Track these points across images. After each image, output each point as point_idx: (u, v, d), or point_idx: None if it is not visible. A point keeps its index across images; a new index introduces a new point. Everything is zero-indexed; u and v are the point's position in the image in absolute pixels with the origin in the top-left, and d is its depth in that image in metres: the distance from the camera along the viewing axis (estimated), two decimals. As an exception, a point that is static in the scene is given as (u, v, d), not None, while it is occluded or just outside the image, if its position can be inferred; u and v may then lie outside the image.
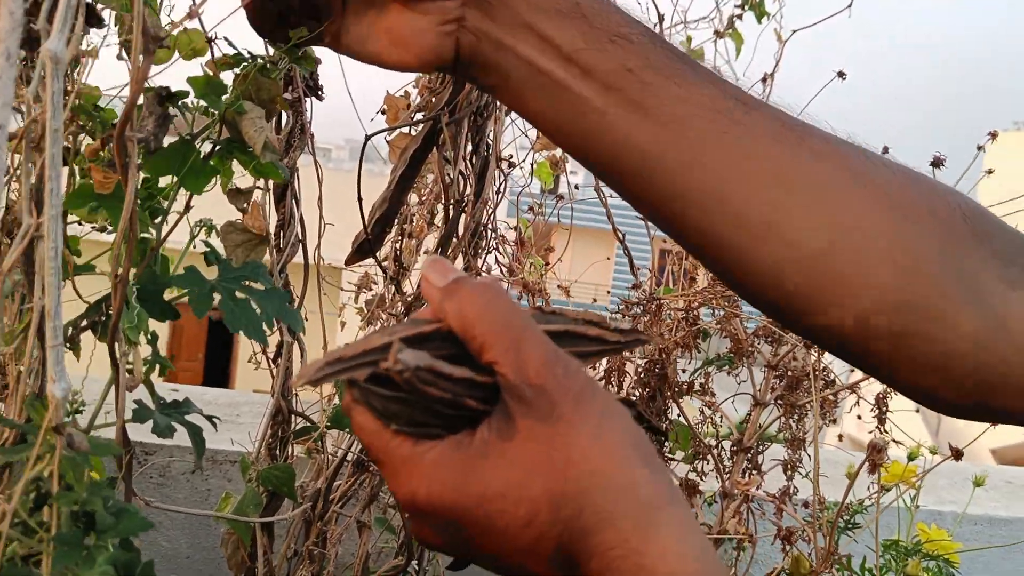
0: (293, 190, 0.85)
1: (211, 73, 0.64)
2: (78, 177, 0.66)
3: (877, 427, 0.86)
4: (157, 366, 0.67)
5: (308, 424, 0.96)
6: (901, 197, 0.39)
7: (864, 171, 0.40)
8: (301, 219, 0.85)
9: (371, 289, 1.30)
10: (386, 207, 0.89)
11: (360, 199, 0.88)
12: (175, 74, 0.62)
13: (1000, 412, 0.41)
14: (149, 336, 0.65)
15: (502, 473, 0.33)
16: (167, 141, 0.60)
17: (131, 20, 0.45)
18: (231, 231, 0.81)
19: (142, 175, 0.61)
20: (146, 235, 0.65)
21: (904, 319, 0.38)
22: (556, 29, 0.39)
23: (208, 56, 0.68)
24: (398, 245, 1.07)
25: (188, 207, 0.70)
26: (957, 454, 0.80)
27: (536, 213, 1.25)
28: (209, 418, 0.76)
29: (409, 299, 0.97)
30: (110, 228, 0.77)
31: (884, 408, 0.89)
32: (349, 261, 0.92)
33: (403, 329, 0.35)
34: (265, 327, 0.66)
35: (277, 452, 0.94)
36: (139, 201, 0.63)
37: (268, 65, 0.63)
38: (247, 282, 0.67)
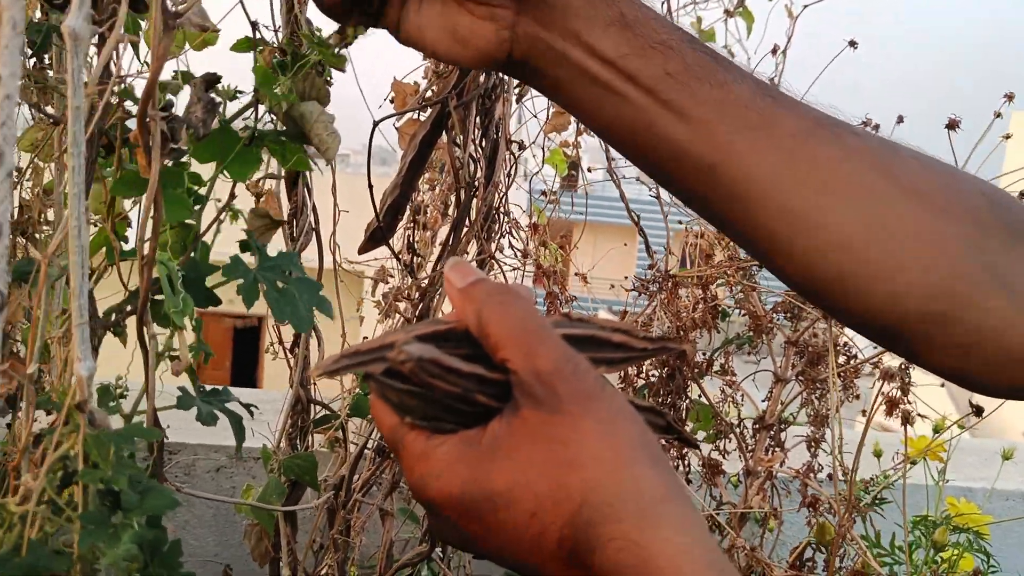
0: (304, 179, 0.85)
1: (265, 64, 0.64)
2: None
3: (901, 370, 0.85)
4: (202, 353, 0.67)
5: (328, 413, 0.97)
6: (927, 190, 0.42)
7: (893, 165, 0.42)
8: (314, 207, 0.86)
9: (387, 282, 1.30)
10: (397, 193, 0.90)
11: (371, 186, 0.89)
12: (207, 64, 0.62)
13: None
14: (194, 323, 0.64)
15: (509, 468, 0.34)
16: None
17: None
18: (255, 216, 0.82)
19: (189, 160, 0.62)
20: (189, 222, 0.65)
21: (932, 303, 0.41)
22: (602, 36, 0.42)
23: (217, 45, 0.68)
24: (412, 234, 1.08)
25: (233, 195, 0.70)
26: (978, 411, 0.79)
27: (549, 200, 1.24)
28: (247, 406, 0.77)
29: (424, 284, 0.97)
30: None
31: (907, 374, 0.88)
32: (362, 249, 0.92)
33: (421, 327, 0.36)
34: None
35: (297, 442, 0.95)
36: (186, 188, 0.63)
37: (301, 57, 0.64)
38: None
